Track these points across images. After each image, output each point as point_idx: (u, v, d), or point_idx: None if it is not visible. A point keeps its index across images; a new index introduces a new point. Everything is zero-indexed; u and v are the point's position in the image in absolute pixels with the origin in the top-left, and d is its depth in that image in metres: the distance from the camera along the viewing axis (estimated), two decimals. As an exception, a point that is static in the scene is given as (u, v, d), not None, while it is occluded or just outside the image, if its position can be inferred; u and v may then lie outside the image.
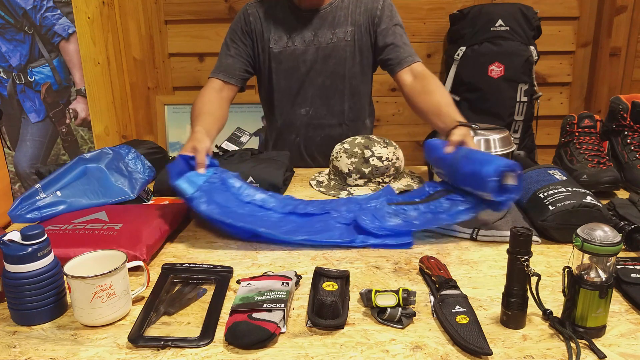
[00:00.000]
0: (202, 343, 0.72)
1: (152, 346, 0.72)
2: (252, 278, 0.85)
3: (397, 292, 0.76)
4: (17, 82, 2.34)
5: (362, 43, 1.54)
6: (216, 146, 2.51)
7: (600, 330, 0.73)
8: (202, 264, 0.93)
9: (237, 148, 2.44)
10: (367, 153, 1.31)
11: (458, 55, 2.20)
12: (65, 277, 0.77)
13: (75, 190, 1.15)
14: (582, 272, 0.72)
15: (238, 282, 0.87)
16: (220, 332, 0.75)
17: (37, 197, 1.11)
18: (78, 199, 1.14)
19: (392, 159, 1.32)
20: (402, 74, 1.48)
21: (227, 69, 1.53)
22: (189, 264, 0.93)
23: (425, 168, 1.51)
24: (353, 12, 1.52)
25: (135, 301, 0.84)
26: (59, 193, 1.13)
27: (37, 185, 1.12)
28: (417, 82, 1.44)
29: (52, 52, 2.31)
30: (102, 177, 1.20)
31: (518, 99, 2.18)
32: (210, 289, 0.86)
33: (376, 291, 0.78)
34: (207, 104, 1.45)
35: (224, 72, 1.53)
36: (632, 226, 0.96)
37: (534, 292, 0.75)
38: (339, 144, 1.38)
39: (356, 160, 1.31)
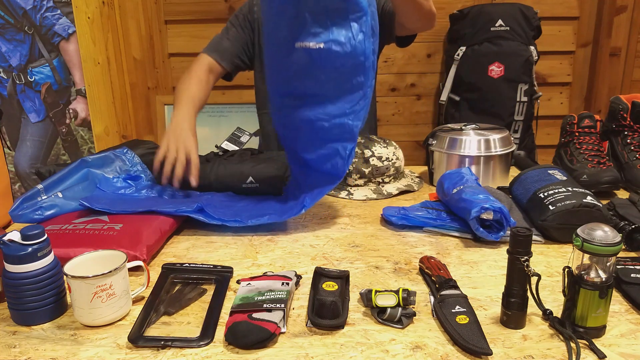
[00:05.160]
0: (202, 343, 0.72)
1: (152, 346, 0.72)
2: (252, 278, 0.86)
3: (397, 292, 0.76)
4: (17, 82, 2.34)
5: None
6: (216, 146, 2.52)
7: (600, 330, 0.73)
8: (202, 264, 0.93)
9: (237, 148, 2.45)
10: (367, 153, 1.30)
11: (458, 55, 2.20)
12: (65, 277, 0.77)
13: (77, 193, 1.15)
14: (582, 272, 0.72)
15: (238, 282, 0.87)
16: (220, 332, 0.75)
17: (39, 198, 1.11)
18: (79, 201, 1.14)
19: (392, 159, 1.32)
20: None
21: (223, 51, 1.49)
22: (189, 264, 0.93)
23: (425, 168, 1.51)
24: None
25: (135, 301, 0.84)
26: (60, 194, 1.13)
27: (40, 186, 1.12)
28: None
29: (52, 52, 2.31)
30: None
31: (518, 99, 2.18)
32: (210, 289, 0.86)
33: (376, 291, 0.78)
34: (197, 84, 1.40)
35: (218, 53, 1.48)
36: (632, 226, 0.96)
37: (534, 292, 0.75)
38: (339, 144, 1.38)
39: (356, 160, 1.31)
